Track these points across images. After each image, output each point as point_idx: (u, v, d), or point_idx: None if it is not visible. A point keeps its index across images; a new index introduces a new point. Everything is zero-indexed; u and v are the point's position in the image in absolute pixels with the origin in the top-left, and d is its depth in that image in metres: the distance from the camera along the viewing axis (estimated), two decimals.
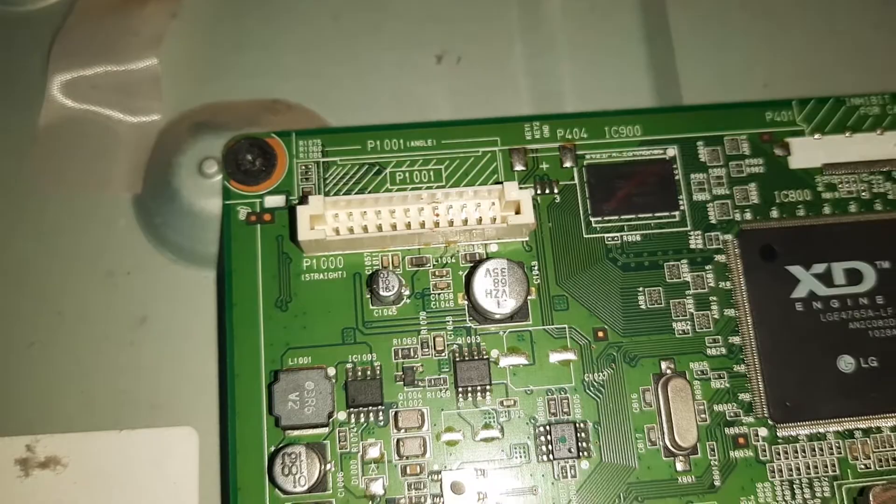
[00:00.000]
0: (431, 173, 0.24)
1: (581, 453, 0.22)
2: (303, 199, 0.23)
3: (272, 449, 0.22)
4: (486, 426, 0.22)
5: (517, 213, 0.22)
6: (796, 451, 0.22)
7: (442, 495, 0.21)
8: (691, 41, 0.27)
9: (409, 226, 0.22)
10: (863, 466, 0.22)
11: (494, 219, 0.23)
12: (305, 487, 0.21)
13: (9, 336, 0.24)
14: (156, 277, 0.25)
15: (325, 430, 0.22)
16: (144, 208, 0.25)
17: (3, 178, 0.25)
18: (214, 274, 0.24)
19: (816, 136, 0.25)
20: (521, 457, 0.22)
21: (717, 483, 0.22)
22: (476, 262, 0.23)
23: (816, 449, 0.22)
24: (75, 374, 0.24)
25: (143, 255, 0.25)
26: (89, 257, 0.25)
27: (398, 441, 0.22)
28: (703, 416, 0.22)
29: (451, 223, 0.22)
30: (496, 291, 0.22)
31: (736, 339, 0.23)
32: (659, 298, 0.23)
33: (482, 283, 0.22)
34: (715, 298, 0.23)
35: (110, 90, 0.25)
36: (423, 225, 0.22)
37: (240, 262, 0.23)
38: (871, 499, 0.21)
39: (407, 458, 0.22)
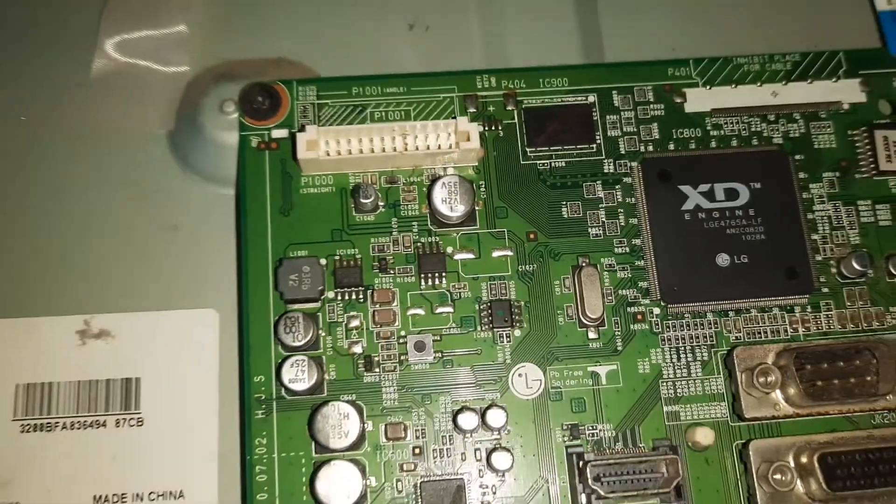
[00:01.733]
0: (402, 113, 0.30)
1: (514, 324, 0.28)
2: (301, 130, 0.29)
3: (276, 317, 0.28)
4: (442, 303, 0.29)
5: (468, 140, 0.29)
6: (682, 326, 0.29)
7: (407, 353, 0.28)
8: (616, 8, 0.34)
9: (384, 150, 0.29)
10: (734, 338, 0.29)
11: (450, 145, 0.29)
12: (302, 343, 0.27)
13: (68, 235, 0.30)
14: (185, 195, 0.31)
15: (318, 304, 0.28)
16: (176, 141, 0.32)
17: (64, 115, 0.31)
18: (233, 191, 0.31)
19: (708, 87, 0.32)
20: (468, 326, 0.28)
21: (619, 348, 0.28)
22: (435, 179, 0.29)
23: (698, 324, 0.29)
24: (122, 265, 0.30)
25: (175, 178, 0.31)
26: (133, 179, 0.31)
27: (374, 313, 0.28)
28: (610, 298, 0.29)
29: (417, 148, 0.29)
30: (450, 200, 0.29)
31: (637, 241, 0.29)
32: (578, 210, 0.30)
33: (439, 193, 0.29)
34: (621, 210, 0.30)
35: (149, 47, 0.32)
36: (395, 150, 0.29)
37: (252, 181, 0.30)
38: (734, 356, 0.28)
39: (381, 325, 0.28)
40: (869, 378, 0.27)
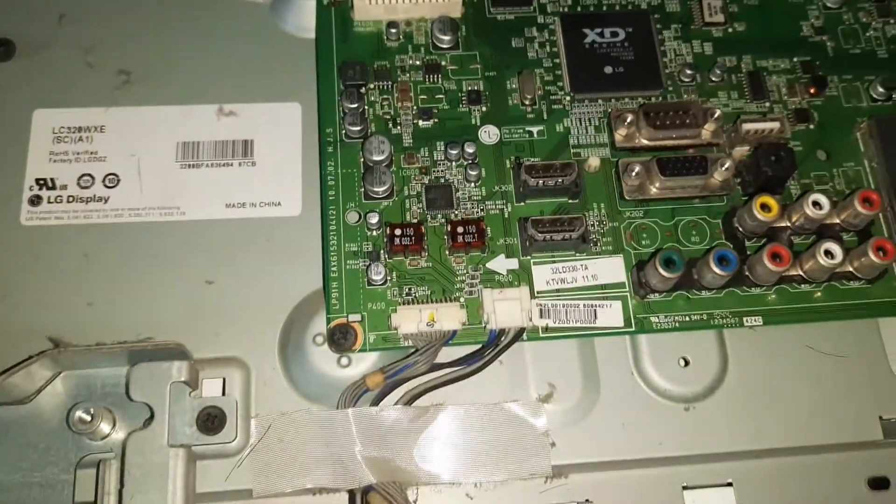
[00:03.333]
0: None
1: (482, 103, 0.47)
2: None
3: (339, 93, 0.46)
4: (438, 93, 0.47)
5: None
6: (584, 105, 0.47)
7: (418, 119, 0.46)
8: None
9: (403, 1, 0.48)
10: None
11: None
12: (355, 105, 0.45)
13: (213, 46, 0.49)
14: (279, 39, 0.50)
15: (364, 88, 0.47)
16: (275, 7, 0.50)
17: None
18: (314, 35, 0.49)
19: None
20: (456, 105, 0.47)
21: (545, 118, 0.47)
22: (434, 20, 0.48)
23: (589, 104, 0.47)
24: (243, 74, 0.48)
25: (272, 30, 0.50)
26: (243, 33, 0.50)
27: (398, 95, 0.47)
28: (539, 90, 0.47)
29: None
30: (443, 29, 0.47)
31: (557, 61, 0.48)
32: (521, 43, 0.49)
33: (437, 25, 0.47)
34: (548, 46, 0.49)
35: None
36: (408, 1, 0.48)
37: (324, 25, 0.48)
38: (610, 114, 0.46)
39: (402, 102, 0.47)
40: (689, 121, 0.45)
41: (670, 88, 0.48)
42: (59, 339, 0.41)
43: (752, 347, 0.44)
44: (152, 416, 0.39)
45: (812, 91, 0.48)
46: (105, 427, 0.40)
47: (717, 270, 0.41)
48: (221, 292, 0.44)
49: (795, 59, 0.49)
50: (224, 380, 0.42)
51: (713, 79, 0.48)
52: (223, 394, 0.42)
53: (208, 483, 0.40)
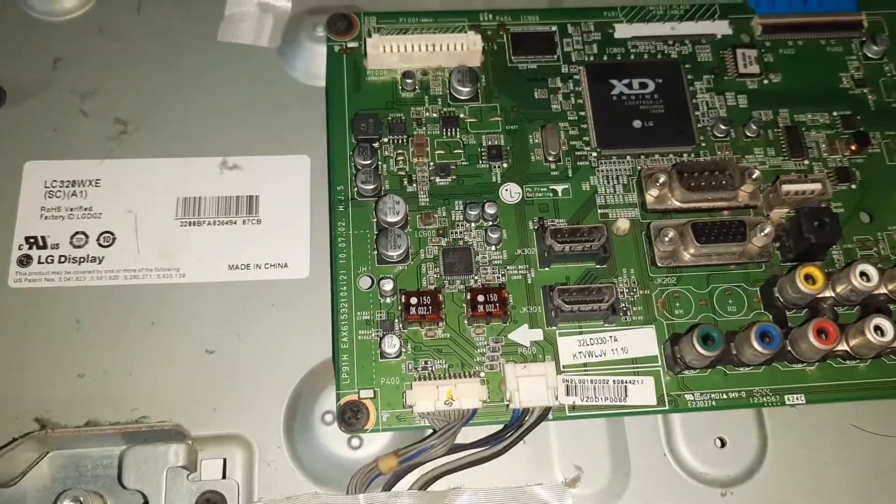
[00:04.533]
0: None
1: (503, 159, 0.44)
2: (369, 35, 0.46)
3: (352, 149, 0.43)
4: (457, 146, 0.44)
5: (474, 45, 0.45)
6: (611, 162, 0.44)
7: (434, 174, 0.43)
8: None
9: (420, 49, 0.45)
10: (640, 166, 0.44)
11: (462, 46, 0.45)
12: (368, 161, 0.42)
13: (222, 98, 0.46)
14: (287, 86, 0.47)
15: (378, 143, 0.44)
16: (283, 53, 0.47)
17: (207, 31, 0.48)
18: (324, 82, 0.46)
19: (630, 23, 0.48)
20: (474, 161, 0.44)
21: (570, 175, 0.44)
22: (452, 70, 0.45)
23: (620, 161, 0.45)
24: (248, 124, 0.45)
25: (281, 77, 0.47)
26: (255, 79, 0.47)
27: (413, 150, 0.44)
28: (564, 145, 0.45)
29: (441, 49, 0.45)
30: (462, 81, 0.45)
31: (582, 113, 0.45)
32: (545, 94, 0.46)
33: (455, 76, 0.44)
34: (572, 95, 0.46)
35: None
36: (428, 48, 0.45)
37: (335, 73, 0.46)
38: (641, 173, 0.43)
39: (418, 157, 0.44)
40: (725, 182, 0.42)
41: (703, 144, 0.45)
42: (46, 420, 0.38)
43: (793, 426, 0.41)
44: None
45: (853, 148, 0.45)
46: None
47: (759, 348, 0.38)
48: (222, 362, 0.41)
49: (835, 113, 0.46)
50: (224, 460, 0.39)
51: (748, 134, 0.45)
52: (223, 476, 0.39)
53: None
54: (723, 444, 0.40)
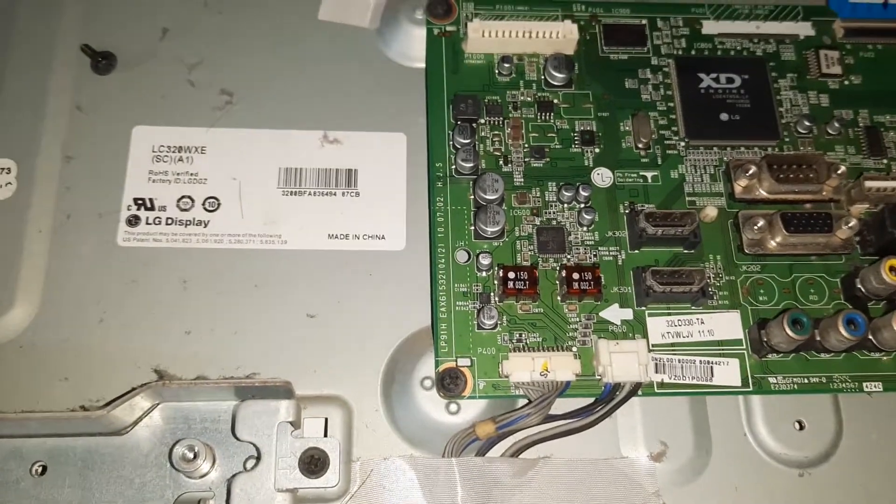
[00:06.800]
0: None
1: (595, 144, 0.45)
2: (469, 20, 0.47)
3: (451, 128, 0.45)
4: (550, 130, 0.46)
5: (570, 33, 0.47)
6: (698, 152, 0.46)
7: (529, 156, 0.45)
8: None
9: (517, 35, 0.46)
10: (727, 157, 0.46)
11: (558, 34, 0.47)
12: (467, 141, 0.44)
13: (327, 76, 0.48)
14: (385, 66, 0.48)
15: (476, 122, 0.45)
16: (381, 34, 0.49)
17: (308, 9, 0.49)
18: (420, 65, 0.48)
19: (716, 20, 0.49)
20: (568, 144, 0.45)
21: (659, 163, 0.46)
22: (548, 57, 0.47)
23: (707, 151, 0.46)
24: (350, 101, 0.47)
25: (378, 57, 0.48)
26: (354, 59, 0.48)
27: (509, 132, 0.45)
28: (654, 133, 0.46)
29: (538, 36, 0.47)
30: (558, 68, 0.46)
31: (671, 104, 0.47)
32: (634, 83, 0.47)
33: (551, 63, 0.46)
34: (661, 87, 0.47)
35: None
36: (525, 35, 0.47)
37: (434, 56, 0.47)
38: (729, 163, 0.44)
39: (513, 139, 0.45)
40: (812, 175, 0.44)
41: (786, 139, 0.47)
42: (163, 371, 0.40)
43: (868, 413, 0.43)
44: (258, 457, 0.38)
45: None
46: (206, 466, 0.38)
47: (845, 334, 0.39)
48: (323, 326, 0.42)
49: None
50: (326, 420, 0.40)
51: (830, 132, 0.47)
52: (325, 434, 0.40)
53: None
54: (801, 427, 0.42)
